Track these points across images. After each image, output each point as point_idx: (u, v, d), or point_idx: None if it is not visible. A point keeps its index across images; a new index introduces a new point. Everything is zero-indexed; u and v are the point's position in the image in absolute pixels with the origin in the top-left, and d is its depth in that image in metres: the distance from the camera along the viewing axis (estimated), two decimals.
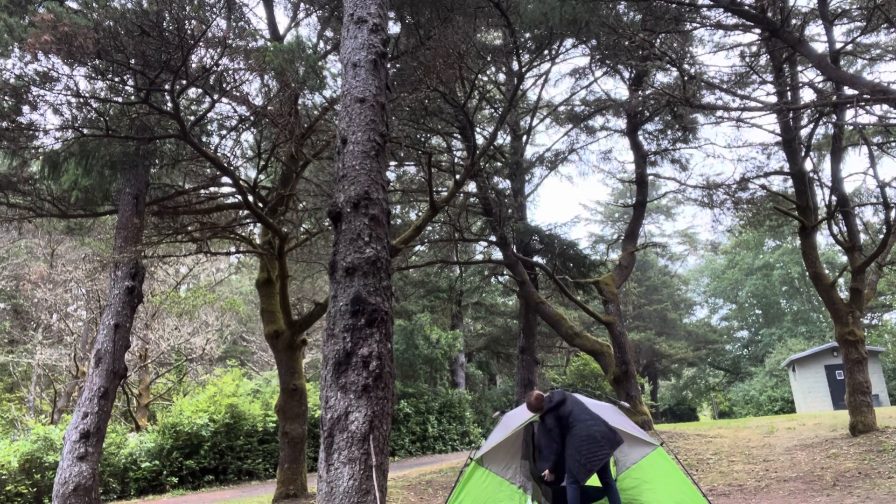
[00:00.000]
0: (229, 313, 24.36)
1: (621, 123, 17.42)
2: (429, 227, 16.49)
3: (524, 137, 18.73)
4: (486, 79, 15.69)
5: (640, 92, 14.95)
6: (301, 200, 12.32)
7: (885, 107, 10.53)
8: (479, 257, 21.96)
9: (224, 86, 8.06)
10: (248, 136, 11.35)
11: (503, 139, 18.50)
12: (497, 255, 18.16)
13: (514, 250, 15.86)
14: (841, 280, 22.14)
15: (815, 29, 12.52)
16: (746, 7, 10.17)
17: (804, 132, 12.87)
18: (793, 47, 10.22)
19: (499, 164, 18.03)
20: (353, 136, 5.54)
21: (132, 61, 7.03)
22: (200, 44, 7.23)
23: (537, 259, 17.62)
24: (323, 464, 4.67)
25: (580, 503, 6.57)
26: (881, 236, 12.59)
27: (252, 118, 9.31)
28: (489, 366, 30.64)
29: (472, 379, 28.27)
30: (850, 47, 11.61)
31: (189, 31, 6.97)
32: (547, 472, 6.69)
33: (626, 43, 11.00)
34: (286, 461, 10.62)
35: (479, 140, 14.20)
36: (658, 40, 11.49)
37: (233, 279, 29.20)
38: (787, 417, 18.74)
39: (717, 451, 11.38)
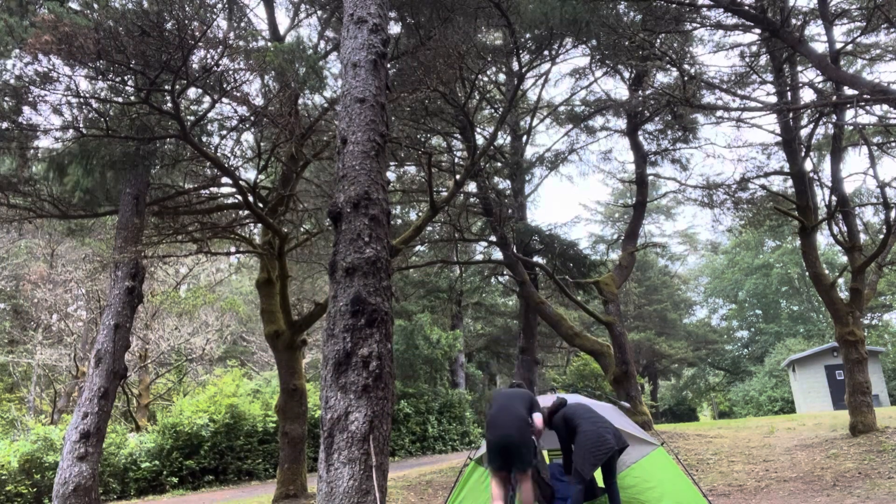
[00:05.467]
0: (229, 313, 24.35)
1: (621, 123, 17.43)
2: (429, 227, 16.48)
3: (524, 137, 18.73)
4: (486, 79, 15.69)
5: (640, 92, 14.96)
6: (301, 201, 12.32)
7: (885, 107, 10.54)
8: (479, 257, 21.95)
9: (224, 86, 8.07)
10: (248, 137, 11.37)
11: (503, 139, 18.50)
12: (497, 255, 18.16)
13: (514, 250, 15.86)
14: (841, 280, 22.14)
15: (815, 29, 12.55)
16: (746, 7, 10.18)
17: (804, 132, 12.87)
18: (793, 47, 10.23)
19: (499, 164, 18.03)
20: (353, 136, 5.54)
21: (133, 62, 7.03)
22: (201, 44, 7.23)
23: (537, 259, 17.61)
24: (323, 464, 4.67)
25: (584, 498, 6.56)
26: (881, 236, 12.58)
27: (252, 118, 9.31)
28: (489, 366, 30.65)
29: (472, 379, 28.26)
30: (850, 47, 11.61)
31: (190, 32, 6.97)
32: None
33: (627, 43, 11.00)
34: (286, 461, 10.62)
35: (480, 140, 14.19)
36: (658, 40, 11.50)
37: (233, 279, 29.19)
38: (787, 418, 18.74)
39: (717, 452, 11.38)
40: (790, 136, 12.65)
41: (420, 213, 17.18)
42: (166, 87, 7.42)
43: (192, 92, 9.07)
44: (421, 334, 21.60)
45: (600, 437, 6.35)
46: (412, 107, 11.19)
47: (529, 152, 20.19)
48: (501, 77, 17.85)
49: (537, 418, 6.33)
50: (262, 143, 9.98)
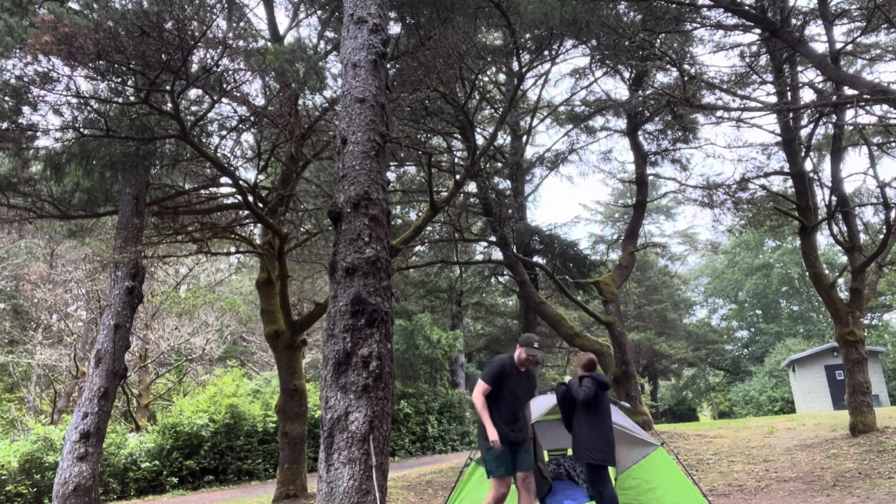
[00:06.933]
0: (229, 313, 24.34)
1: (621, 123, 17.42)
2: (429, 228, 16.47)
3: (524, 137, 18.73)
4: (486, 79, 15.69)
5: (640, 92, 14.96)
6: (301, 201, 12.32)
7: (885, 107, 10.54)
8: (479, 257, 21.94)
9: (224, 86, 8.06)
10: (248, 137, 11.36)
11: (503, 139, 18.50)
12: (497, 255, 18.16)
13: (514, 250, 15.86)
14: (841, 280, 22.13)
15: (815, 29, 12.53)
16: (746, 7, 10.18)
17: (804, 132, 12.87)
18: (793, 47, 10.23)
19: (499, 164, 18.03)
20: (353, 136, 5.54)
21: (132, 62, 7.02)
22: (201, 44, 7.23)
23: (537, 259, 17.61)
24: (323, 464, 4.67)
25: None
26: (881, 236, 12.59)
27: (252, 118, 9.31)
28: None
29: (473, 379, 28.24)
30: (850, 47, 11.61)
31: (189, 32, 6.97)
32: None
33: (627, 43, 11.00)
34: (286, 461, 10.62)
35: (480, 140, 14.19)
36: (658, 40, 11.50)
37: (233, 279, 29.19)
38: (787, 418, 18.74)
39: (717, 452, 11.38)
40: (790, 136, 12.64)
41: (420, 213, 17.18)
42: (166, 87, 7.42)
43: (193, 92, 9.06)
44: (421, 334, 21.59)
45: (607, 442, 6.21)
46: (412, 107, 11.18)
47: (529, 152, 20.23)
48: (501, 77, 17.85)
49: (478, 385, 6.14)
50: (262, 143, 9.98)
